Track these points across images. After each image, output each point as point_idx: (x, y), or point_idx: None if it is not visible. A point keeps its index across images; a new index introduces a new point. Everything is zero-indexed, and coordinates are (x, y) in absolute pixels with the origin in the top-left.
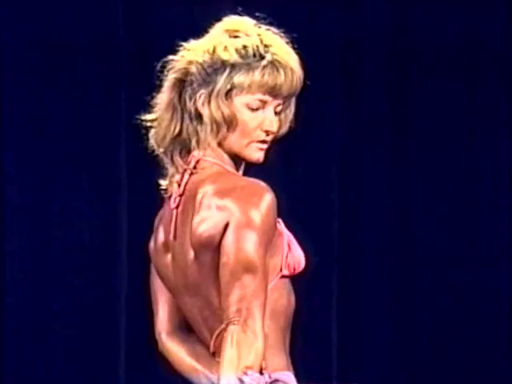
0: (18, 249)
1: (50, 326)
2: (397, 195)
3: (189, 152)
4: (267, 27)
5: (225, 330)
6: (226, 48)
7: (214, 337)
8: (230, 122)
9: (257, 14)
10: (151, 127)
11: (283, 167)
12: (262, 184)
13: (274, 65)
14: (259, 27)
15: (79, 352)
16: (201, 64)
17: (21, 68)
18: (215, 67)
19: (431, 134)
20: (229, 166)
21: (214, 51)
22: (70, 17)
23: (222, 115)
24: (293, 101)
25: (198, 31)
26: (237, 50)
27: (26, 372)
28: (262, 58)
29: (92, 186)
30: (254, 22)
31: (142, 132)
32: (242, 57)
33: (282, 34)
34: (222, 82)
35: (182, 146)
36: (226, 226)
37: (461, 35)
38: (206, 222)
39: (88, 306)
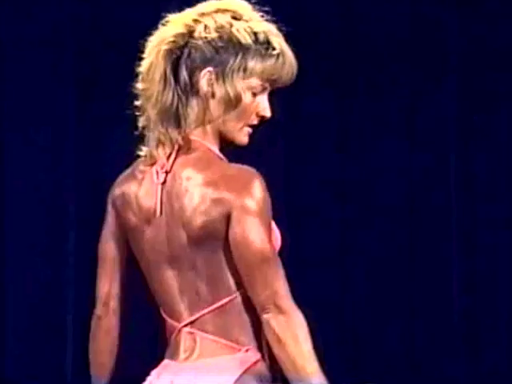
0: None
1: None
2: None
3: (176, 126)
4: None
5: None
6: (239, 30)
7: (202, 314)
8: (238, 102)
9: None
10: (138, 95)
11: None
12: (251, 169)
13: (283, 56)
14: (255, 13)
15: None
16: (208, 41)
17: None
18: (227, 47)
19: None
20: (215, 147)
21: (224, 30)
22: None
23: (235, 94)
24: None
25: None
26: (249, 34)
27: None
28: (273, 47)
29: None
30: (249, 6)
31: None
32: (254, 42)
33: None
34: (236, 62)
35: (170, 118)
36: (228, 217)
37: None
38: (203, 215)
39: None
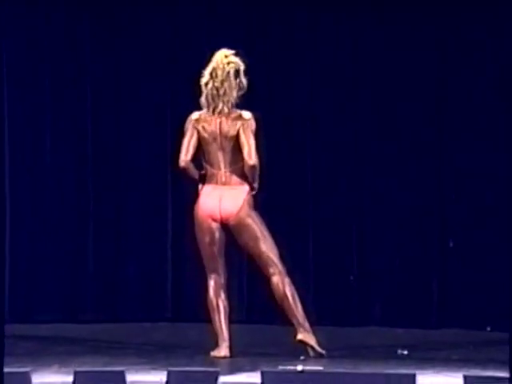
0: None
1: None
2: None
3: (225, 98)
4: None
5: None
6: (241, 62)
7: (231, 168)
8: (244, 90)
9: None
10: (200, 86)
11: None
12: (250, 113)
13: (247, 74)
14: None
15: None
16: (237, 65)
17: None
18: (240, 71)
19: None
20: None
21: (239, 62)
22: None
23: (245, 87)
24: None
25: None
26: (242, 64)
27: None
28: (245, 69)
29: None
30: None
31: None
32: (242, 67)
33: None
34: (241, 78)
35: (224, 95)
36: (239, 128)
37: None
38: (233, 129)
39: None
